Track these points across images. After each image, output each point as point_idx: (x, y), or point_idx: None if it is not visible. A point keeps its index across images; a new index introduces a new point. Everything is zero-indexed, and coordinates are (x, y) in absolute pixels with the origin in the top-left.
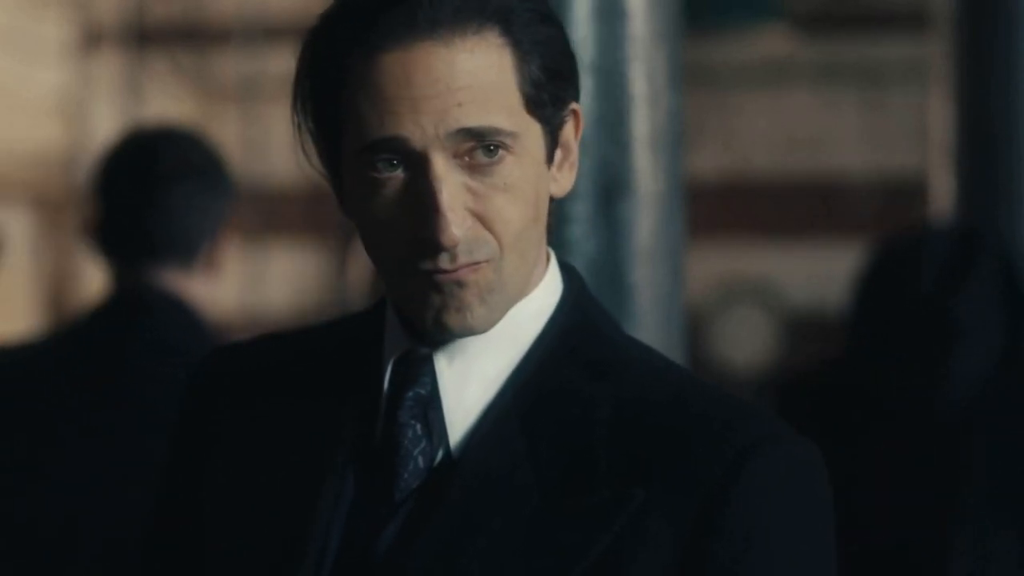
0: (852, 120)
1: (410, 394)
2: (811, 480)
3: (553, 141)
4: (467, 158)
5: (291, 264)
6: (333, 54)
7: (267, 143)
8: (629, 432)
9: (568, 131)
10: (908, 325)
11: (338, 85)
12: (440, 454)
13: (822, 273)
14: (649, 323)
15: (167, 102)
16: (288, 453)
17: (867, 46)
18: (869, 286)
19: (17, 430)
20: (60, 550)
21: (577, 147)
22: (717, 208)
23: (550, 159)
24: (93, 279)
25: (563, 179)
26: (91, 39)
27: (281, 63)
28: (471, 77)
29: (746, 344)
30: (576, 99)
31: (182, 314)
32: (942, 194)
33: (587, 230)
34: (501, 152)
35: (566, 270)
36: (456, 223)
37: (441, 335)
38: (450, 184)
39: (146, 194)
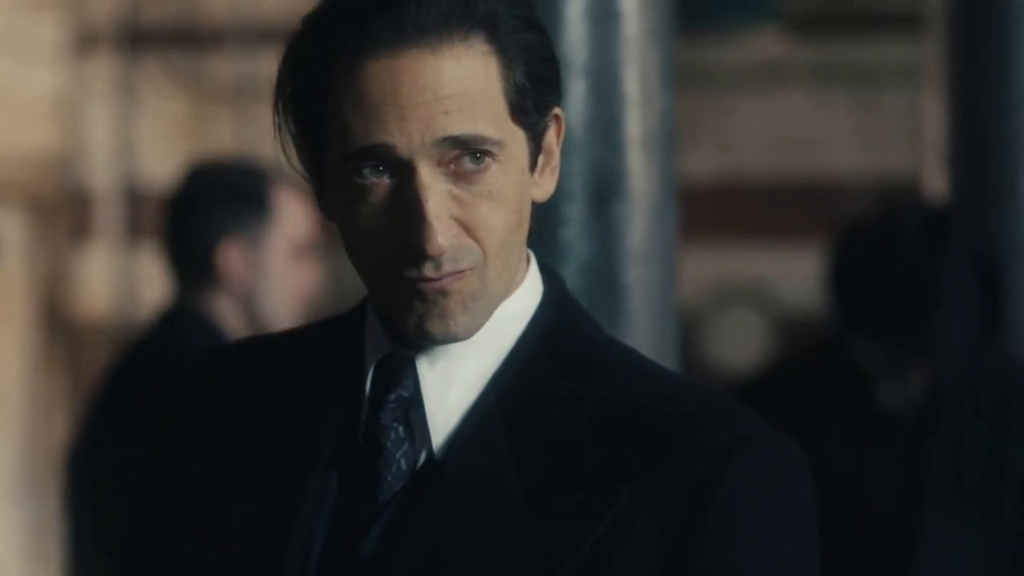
0: (846, 121)
1: (392, 396)
2: (796, 479)
3: (537, 147)
4: (453, 166)
5: None
6: (318, 59)
7: (261, 145)
8: (613, 431)
9: (550, 136)
10: (890, 288)
11: (323, 90)
12: (423, 456)
13: (816, 274)
14: (642, 324)
15: (161, 104)
16: (270, 456)
17: (861, 48)
18: (847, 261)
19: None
20: None
21: (559, 151)
22: (710, 209)
23: (533, 165)
24: (87, 281)
25: (545, 184)
26: (85, 41)
27: (275, 65)
28: (458, 85)
29: (739, 345)
30: (559, 103)
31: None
32: (936, 196)
33: (580, 231)
34: (487, 160)
35: (546, 271)
36: (442, 232)
37: (423, 342)
38: (436, 192)
39: None
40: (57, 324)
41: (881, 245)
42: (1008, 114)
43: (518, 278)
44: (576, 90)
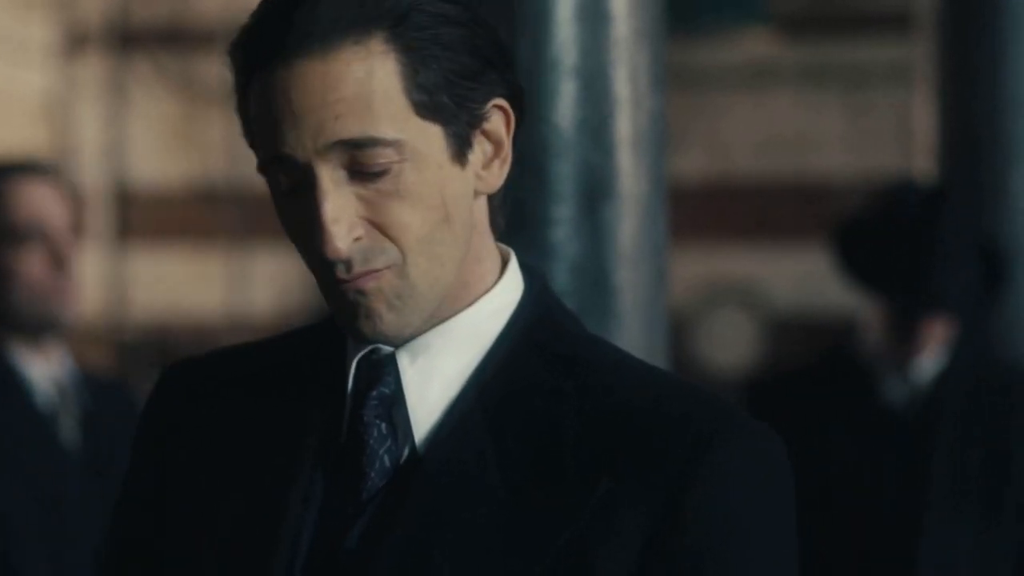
0: (836, 122)
1: (374, 393)
2: (774, 468)
3: (463, 141)
4: (357, 168)
5: (275, 266)
6: (237, 74)
7: None
8: (595, 426)
9: (496, 127)
10: (895, 238)
11: (246, 104)
12: (406, 452)
13: (806, 275)
14: (632, 325)
15: (152, 104)
16: (255, 458)
17: (851, 48)
18: (853, 231)
19: None
20: None
21: (510, 142)
22: (701, 210)
23: (459, 159)
24: (77, 281)
25: (492, 176)
26: (75, 42)
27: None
28: (348, 88)
29: (729, 346)
30: (503, 95)
31: None
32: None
33: (570, 232)
34: (388, 160)
35: (527, 270)
36: (339, 236)
37: (360, 342)
38: (336, 197)
39: None
40: None
41: (885, 209)
42: (999, 114)
43: (486, 273)
44: (566, 91)
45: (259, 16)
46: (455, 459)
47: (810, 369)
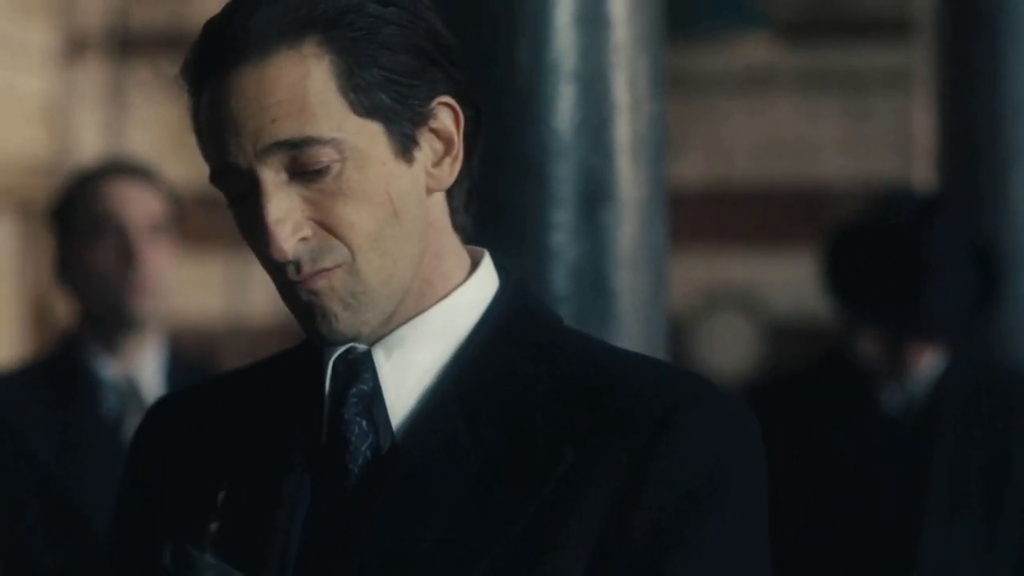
0: (835, 127)
1: (353, 391)
2: (742, 435)
3: (407, 138)
4: (297, 169)
5: None
6: (187, 92)
7: None
8: (565, 405)
9: (444, 125)
10: (883, 263)
11: (198, 118)
12: (387, 446)
13: (805, 280)
14: (632, 330)
15: (151, 109)
16: (242, 472)
17: (850, 53)
18: (842, 245)
19: None
20: None
21: (460, 139)
22: (700, 215)
23: (405, 156)
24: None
25: (443, 174)
26: (75, 47)
27: None
28: (283, 92)
29: (729, 351)
30: (449, 92)
31: None
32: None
33: (570, 236)
34: (327, 160)
35: (503, 269)
36: (283, 237)
37: (321, 343)
38: (279, 199)
39: None
40: (48, 330)
41: (873, 225)
42: (998, 119)
43: (453, 268)
44: (565, 95)
45: (202, 34)
46: (431, 443)
47: (809, 372)
